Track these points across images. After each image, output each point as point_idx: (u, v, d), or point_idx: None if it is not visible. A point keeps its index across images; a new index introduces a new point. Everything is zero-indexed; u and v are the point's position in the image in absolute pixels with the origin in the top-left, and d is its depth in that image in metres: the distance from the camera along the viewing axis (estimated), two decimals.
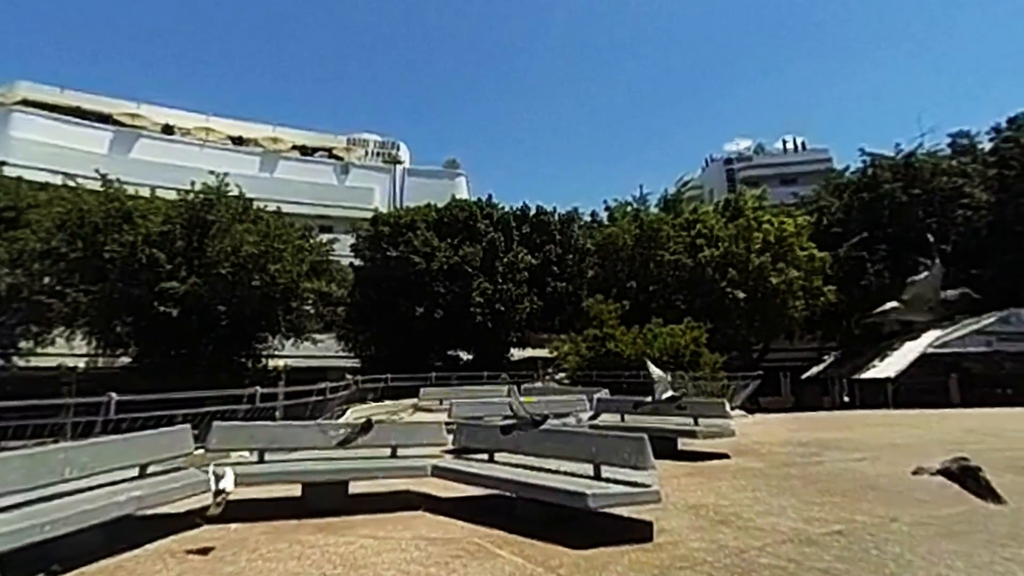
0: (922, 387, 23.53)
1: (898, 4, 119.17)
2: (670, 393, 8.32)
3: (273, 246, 21.60)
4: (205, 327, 21.12)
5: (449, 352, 29.48)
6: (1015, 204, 27.94)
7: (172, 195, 23.33)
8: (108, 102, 40.50)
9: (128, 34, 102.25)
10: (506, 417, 7.45)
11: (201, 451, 5.94)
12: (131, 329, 21.32)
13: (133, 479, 4.86)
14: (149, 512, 4.80)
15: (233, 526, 5.12)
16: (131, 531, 4.60)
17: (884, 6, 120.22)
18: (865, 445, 9.72)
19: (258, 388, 9.85)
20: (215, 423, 5.98)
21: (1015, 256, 27.24)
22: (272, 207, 25.45)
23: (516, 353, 31.66)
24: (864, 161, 34.06)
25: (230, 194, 23.04)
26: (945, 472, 3.87)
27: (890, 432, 11.32)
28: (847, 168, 37.57)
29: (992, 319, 24.09)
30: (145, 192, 22.94)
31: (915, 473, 4.28)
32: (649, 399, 8.77)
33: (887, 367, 24.78)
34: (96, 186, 22.46)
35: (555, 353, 25.41)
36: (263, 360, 24.86)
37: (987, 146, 32.53)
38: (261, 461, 5.93)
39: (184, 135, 41.67)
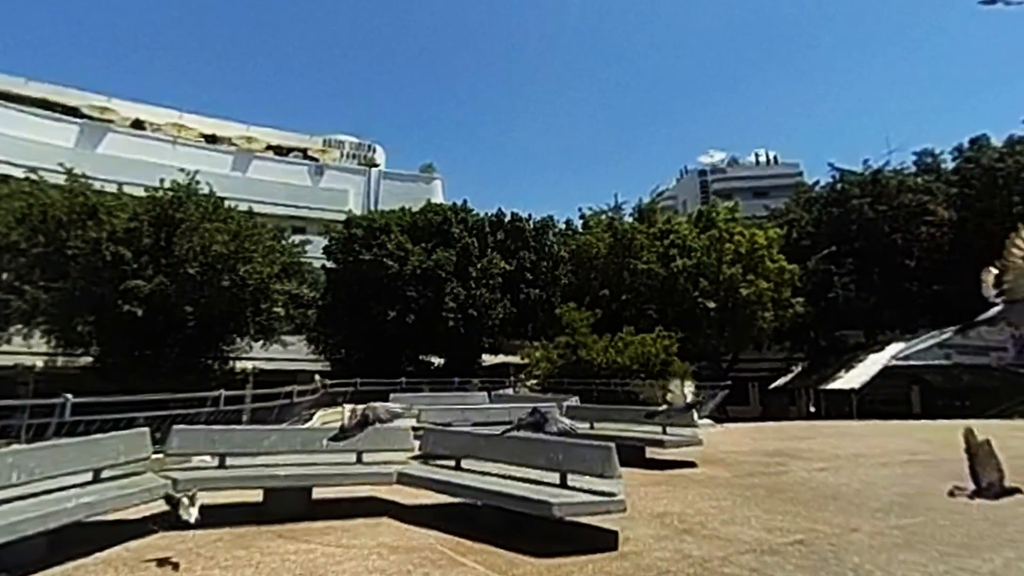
0: (884, 398, 24.13)
1: (870, 25, 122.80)
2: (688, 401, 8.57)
3: (243, 246, 21.22)
4: (171, 327, 20.64)
5: (421, 357, 29.32)
6: (976, 222, 28.78)
7: (140, 192, 22.78)
8: (76, 94, 39.18)
9: (98, 27, 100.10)
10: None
11: (160, 455, 5.79)
12: (93, 328, 20.70)
13: (86, 484, 4.69)
14: (102, 519, 4.63)
15: (190, 533, 4.99)
16: (82, 538, 4.45)
17: (857, 26, 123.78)
18: (828, 455, 9.89)
19: (222, 391, 9.64)
20: (175, 427, 5.84)
21: (975, 273, 28.02)
22: (244, 207, 25.04)
23: (488, 359, 31.60)
24: (833, 176, 34.76)
25: (200, 192, 22.61)
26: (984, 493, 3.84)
27: (853, 442, 11.52)
28: (817, 182, 38.25)
29: (951, 333, 24.79)
30: (112, 188, 22.38)
31: (951, 495, 4.33)
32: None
33: (852, 378, 25.27)
34: (61, 180, 21.82)
35: (527, 360, 25.42)
36: (231, 362, 24.36)
37: (950, 165, 33.36)
38: (222, 466, 5.80)
39: (155, 131, 40.67)
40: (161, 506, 5.23)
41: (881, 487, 7.23)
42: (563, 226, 35.76)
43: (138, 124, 40.48)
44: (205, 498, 5.69)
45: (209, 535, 4.94)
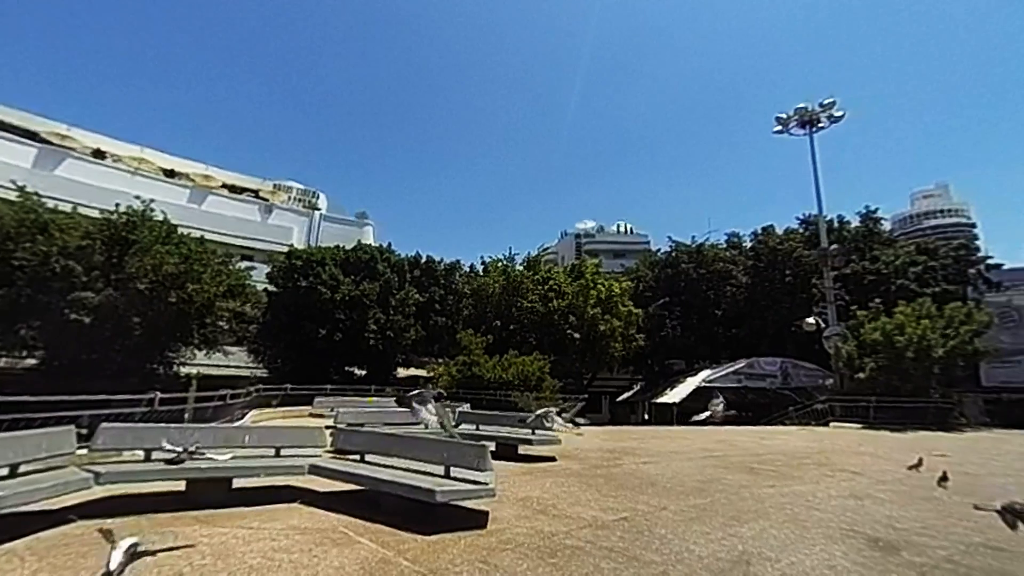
0: (696, 410, 25.62)
1: (701, 137, 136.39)
2: (543, 411, 8.88)
3: (193, 268, 19.29)
4: (118, 335, 18.13)
5: (346, 368, 27.93)
6: (762, 286, 31.74)
7: (96, 214, 20.24)
8: (36, 120, 33.89)
9: (63, 58, 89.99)
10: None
11: (84, 451, 5.08)
12: (37, 333, 17.87)
13: (2, 479, 4.03)
14: (18, 510, 3.96)
15: (108, 521, 4.39)
16: None
17: (691, 138, 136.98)
18: (652, 452, 10.29)
19: (157, 393, 8.62)
20: (102, 424, 5.16)
21: (760, 322, 30.94)
22: (197, 235, 22.99)
23: (402, 371, 30.69)
24: (671, 246, 36.61)
25: (155, 219, 20.48)
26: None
27: (670, 443, 12.02)
28: (659, 249, 40.51)
29: (742, 364, 26.98)
30: (67, 208, 19.71)
31: (977, 508, 4.71)
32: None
33: (674, 395, 26.55)
34: (13, 197, 18.92)
35: (433, 373, 24.93)
36: (175, 367, 21.86)
37: (748, 244, 35.97)
38: (148, 460, 5.20)
39: (116, 162, 36.47)
40: (80, 497, 4.61)
41: (686, 475, 7.62)
42: (467, 269, 35.76)
43: (99, 154, 35.87)
44: (131, 489, 5.10)
45: (127, 522, 4.37)
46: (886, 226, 34.88)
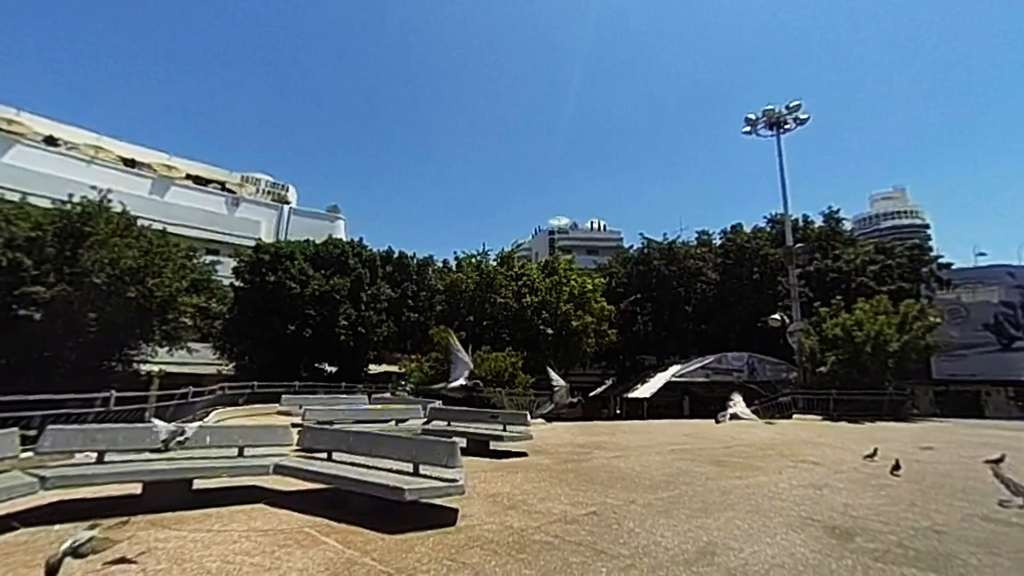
0: (666, 404, 26.06)
1: (674, 136, 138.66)
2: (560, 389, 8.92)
3: (154, 262, 18.52)
4: (72, 332, 17.28)
5: (316, 365, 27.40)
6: (731, 283, 32.40)
7: (48, 204, 19.19)
8: None
9: (10, 38, 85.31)
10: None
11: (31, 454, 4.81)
12: None
13: None
14: None
15: (56, 527, 4.18)
16: None
17: (664, 136, 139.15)
18: (622, 446, 10.36)
19: (113, 391, 8.24)
20: (49, 426, 4.88)
21: (728, 318, 31.61)
22: (159, 227, 22.08)
23: (374, 368, 30.26)
24: (643, 243, 36.91)
25: (113, 210, 19.54)
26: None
27: (640, 437, 12.13)
28: (632, 246, 40.78)
29: (711, 359, 27.59)
30: (15, 198, 18.65)
31: (1001, 504, 5.71)
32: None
33: (645, 390, 26.96)
34: None
35: (405, 370, 24.68)
36: (134, 365, 20.96)
37: (718, 241, 36.49)
38: (101, 462, 4.96)
39: (71, 149, 34.54)
40: (25, 503, 4.36)
41: (654, 469, 7.71)
42: (441, 264, 35.37)
43: (52, 141, 33.73)
44: (82, 493, 4.86)
45: (77, 528, 4.15)
46: (847, 226, 36.00)
